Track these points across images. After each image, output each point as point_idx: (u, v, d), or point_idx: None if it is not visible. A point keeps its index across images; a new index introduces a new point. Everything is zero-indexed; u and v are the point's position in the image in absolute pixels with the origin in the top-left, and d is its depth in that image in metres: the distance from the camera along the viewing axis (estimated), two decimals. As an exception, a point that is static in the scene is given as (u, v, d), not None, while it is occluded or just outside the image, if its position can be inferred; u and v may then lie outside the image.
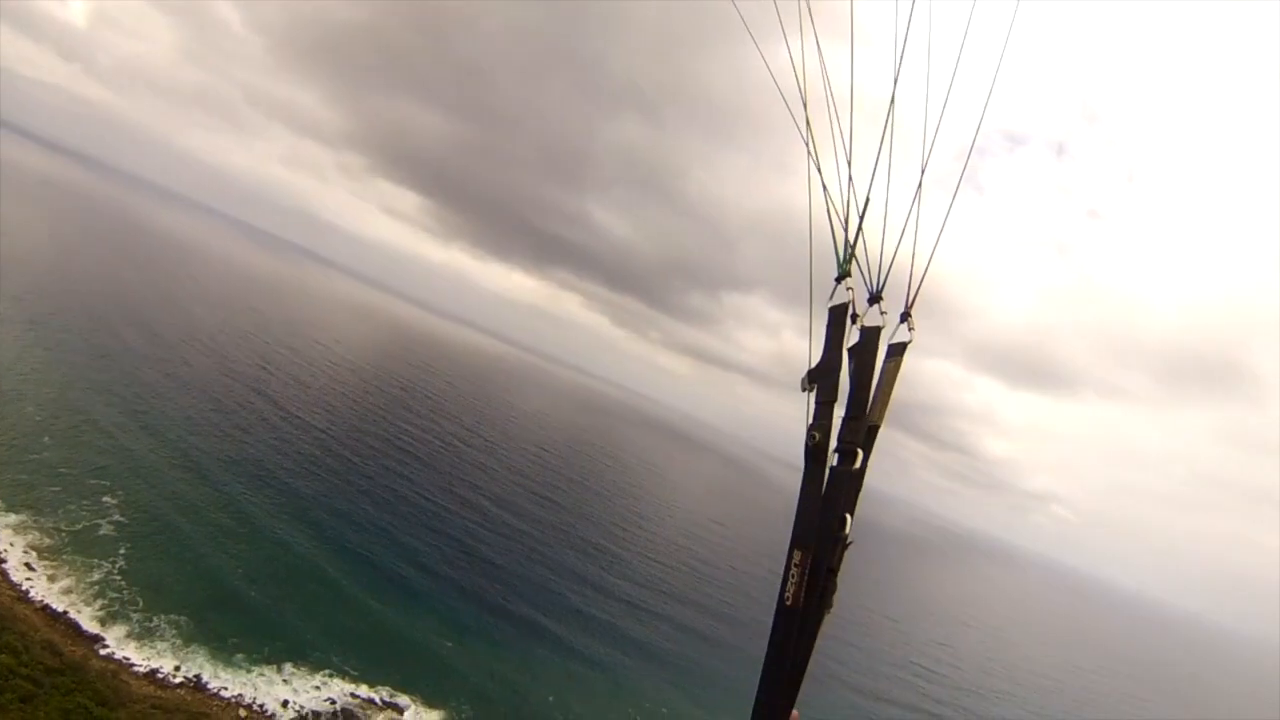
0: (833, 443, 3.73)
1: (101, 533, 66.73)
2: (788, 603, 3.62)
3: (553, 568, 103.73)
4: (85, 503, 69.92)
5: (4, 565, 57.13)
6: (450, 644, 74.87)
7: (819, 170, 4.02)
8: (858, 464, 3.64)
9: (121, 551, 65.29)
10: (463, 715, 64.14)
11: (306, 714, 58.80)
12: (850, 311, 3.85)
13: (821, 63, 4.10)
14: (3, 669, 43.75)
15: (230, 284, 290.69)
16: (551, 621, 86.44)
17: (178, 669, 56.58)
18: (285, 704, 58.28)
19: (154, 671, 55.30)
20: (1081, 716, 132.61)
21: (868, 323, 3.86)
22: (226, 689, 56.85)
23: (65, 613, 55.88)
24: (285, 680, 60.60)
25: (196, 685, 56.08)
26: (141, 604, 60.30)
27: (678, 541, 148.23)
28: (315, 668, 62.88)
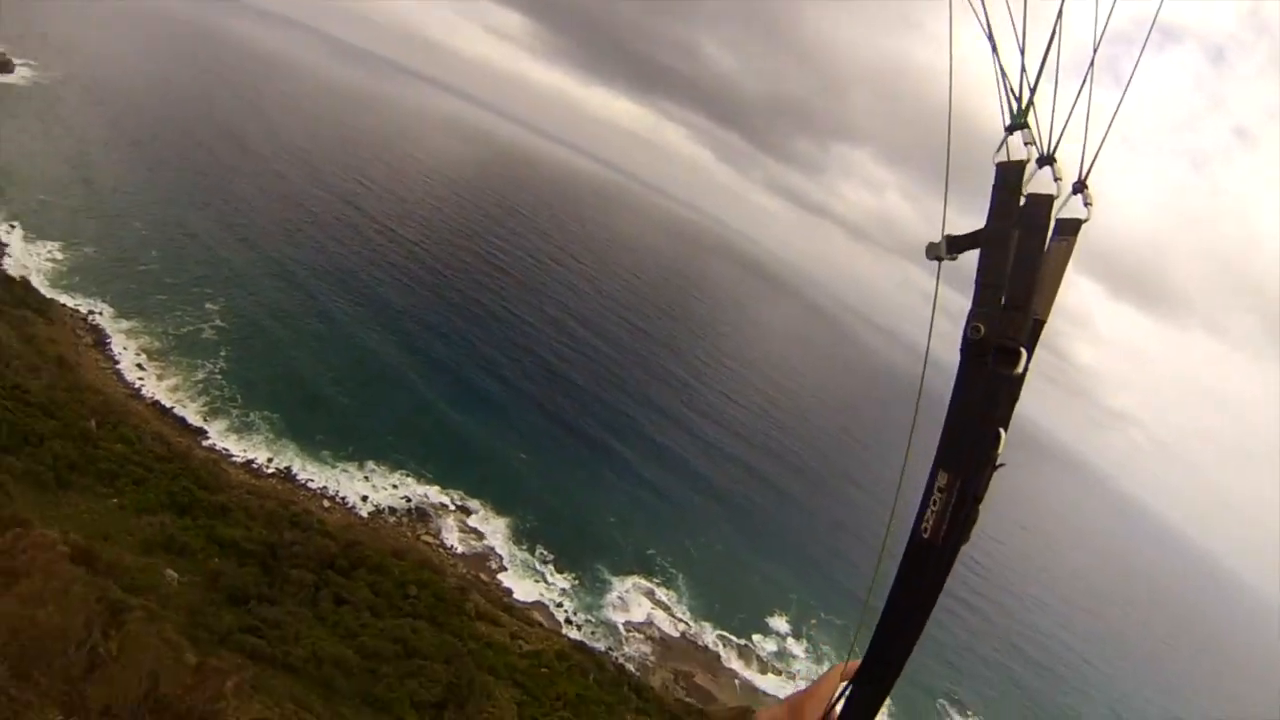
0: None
1: (204, 336, 73.21)
2: (925, 534, 3.00)
3: (631, 394, 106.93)
4: (189, 309, 76.62)
5: (118, 366, 63.82)
6: (524, 456, 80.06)
7: None
8: (1020, 367, 2.93)
9: (222, 354, 71.68)
10: (528, 525, 69.73)
11: (383, 509, 65.39)
12: (1026, 173, 3.11)
13: None
14: (118, 457, 49.26)
15: (326, 101, 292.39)
16: (623, 446, 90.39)
17: (270, 461, 63.47)
18: (364, 499, 64.88)
19: (249, 462, 62.22)
20: (1104, 651, 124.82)
21: (1034, 189, 3.12)
22: (313, 481, 63.60)
23: (172, 408, 62.64)
24: (365, 477, 67.02)
25: (286, 476, 62.92)
26: (240, 401, 66.86)
27: (756, 384, 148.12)
28: (393, 468, 69.27)
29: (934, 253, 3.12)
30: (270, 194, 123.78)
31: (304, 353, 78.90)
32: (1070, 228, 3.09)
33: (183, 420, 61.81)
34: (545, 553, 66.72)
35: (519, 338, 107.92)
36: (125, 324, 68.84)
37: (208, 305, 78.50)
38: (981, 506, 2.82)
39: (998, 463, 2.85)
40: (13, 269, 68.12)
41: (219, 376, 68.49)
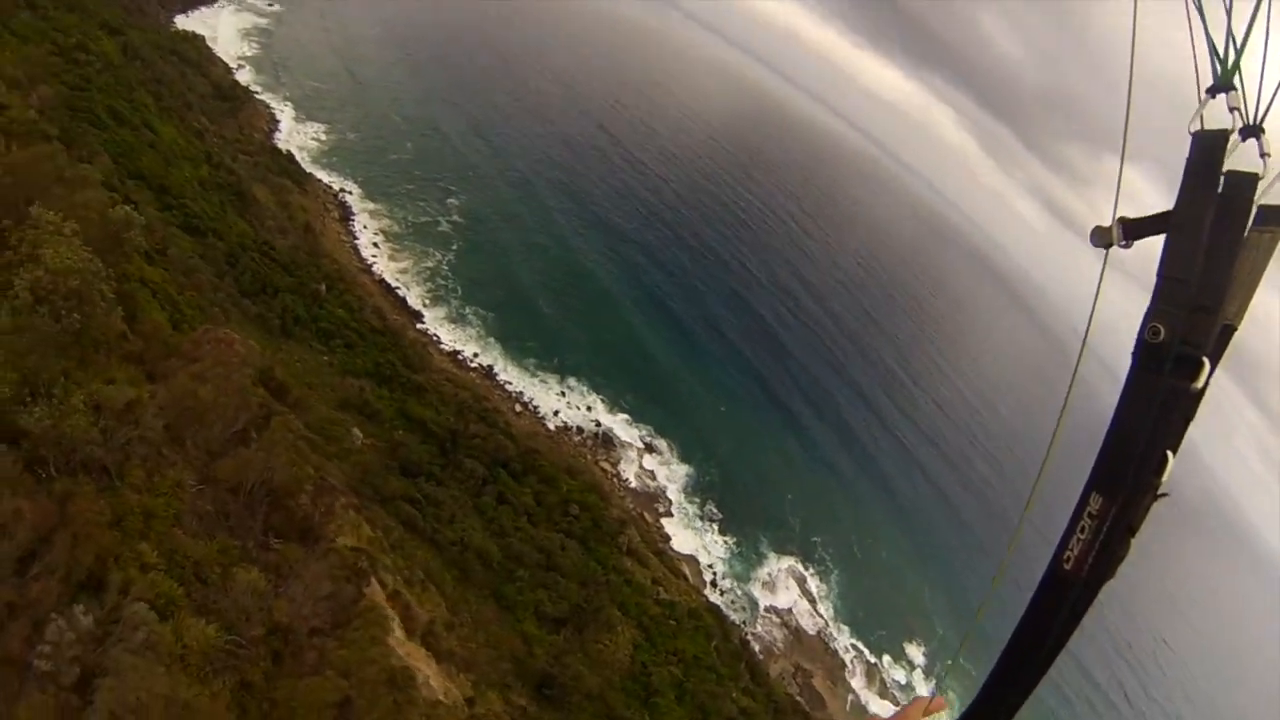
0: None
1: (440, 229, 76.80)
2: (1067, 565, 2.66)
3: (841, 374, 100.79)
4: (431, 202, 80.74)
5: (357, 241, 68.29)
6: (723, 409, 77.62)
7: None
8: (1201, 380, 2.52)
9: (453, 248, 74.79)
10: (707, 478, 67.41)
11: (571, 426, 65.66)
12: (1226, 145, 2.60)
13: None
14: (338, 321, 52.50)
15: (594, 28, 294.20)
16: (820, 425, 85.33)
17: (475, 355, 65.44)
18: (556, 412, 65.40)
19: (456, 352, 64.46)
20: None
21: (1234, 167, 2.60)
22: (511, 383, 64.90)
23: (397, 288, 66.18)
24: (561, 393, 67.50)
25: (487, 373, 64.60)
26: (460, 294, 69.44)
27: (968, 400, 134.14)
28: (591, 389, 69.25)
29: (1103, 239, 2.83)
30: (526, 108, 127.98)
31: (530, 262, 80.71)
32: (1277, 216, 2.64)
33: (404, 301, 65.08)
34: (714, 510, 64.17)
35: (744, 291, 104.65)
36: (370, 205, 73.58)
37: (450, 201, 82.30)
38: (1135, 541, 2.65)
39: (1160, 491, 2.60)
40: (280, 143, 75.10)
41: (445, 268, 71.45)
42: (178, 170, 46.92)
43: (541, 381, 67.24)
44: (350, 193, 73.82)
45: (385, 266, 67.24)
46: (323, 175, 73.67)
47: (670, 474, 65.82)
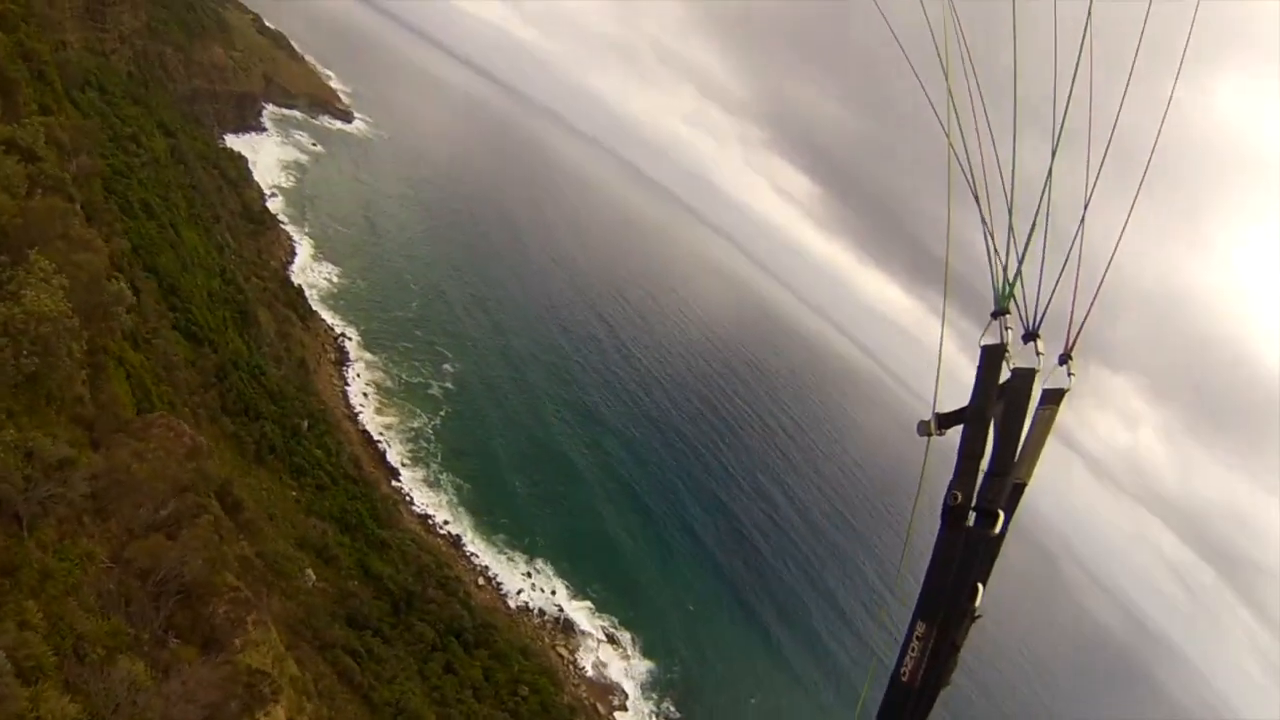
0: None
1: (430, 391, 77.01)
2: (904, 678, 3.28)
3: (816, 586, 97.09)
4: (426, 364, 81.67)
5: (348, 387, 68.21)
6: (691, 608, 74.15)
7: (976, 198, 3.79)
8: (997, 528, 3.27)
9: (441, 413, 74.57)
10: (669, 676, 63.37)
11: (533, 608, 62.26)
12: (1004, 354, 3.47)
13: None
14: (314, 460, 51.39)
15: (605, 215, 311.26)
16: (792, 639, 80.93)
17: (446, 523, 63.36)
18: (519, 592, 62.26)
19: (427, 516, 62.46)
20: None
21: (1020, 363, 3.50)
22: (477, 556, 62.40)
23: (378, 441, 65.26)
24: (527, 574, 64.64)
25: (454, 542, 62.18)
26: (440, 459, 68.43)
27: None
28: (557, 574, 66.38)
29: (924, 429, 3.61)
30: (531, 287, 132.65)
31: (512, 440, 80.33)
32: (1054, 397, 3.49)
33: (383, 455, 63.99)
34: (672, 709, 60.00)
35: (723, 493, 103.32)
36: (367, 355, 74.28)
37: (444, 366, 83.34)
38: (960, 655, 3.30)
39: (976, 615, 3.28)
40: (294, 275, 77.47)
41: (429, 431, 70.88)
42: (191, 276, 47.78)
43: (509, 559, 64.96)
44: (350, 338, 74.86)
45: (371, 418, 66.68)
46: (327, 315, 75.18)
47: (630, 668, 62.08)
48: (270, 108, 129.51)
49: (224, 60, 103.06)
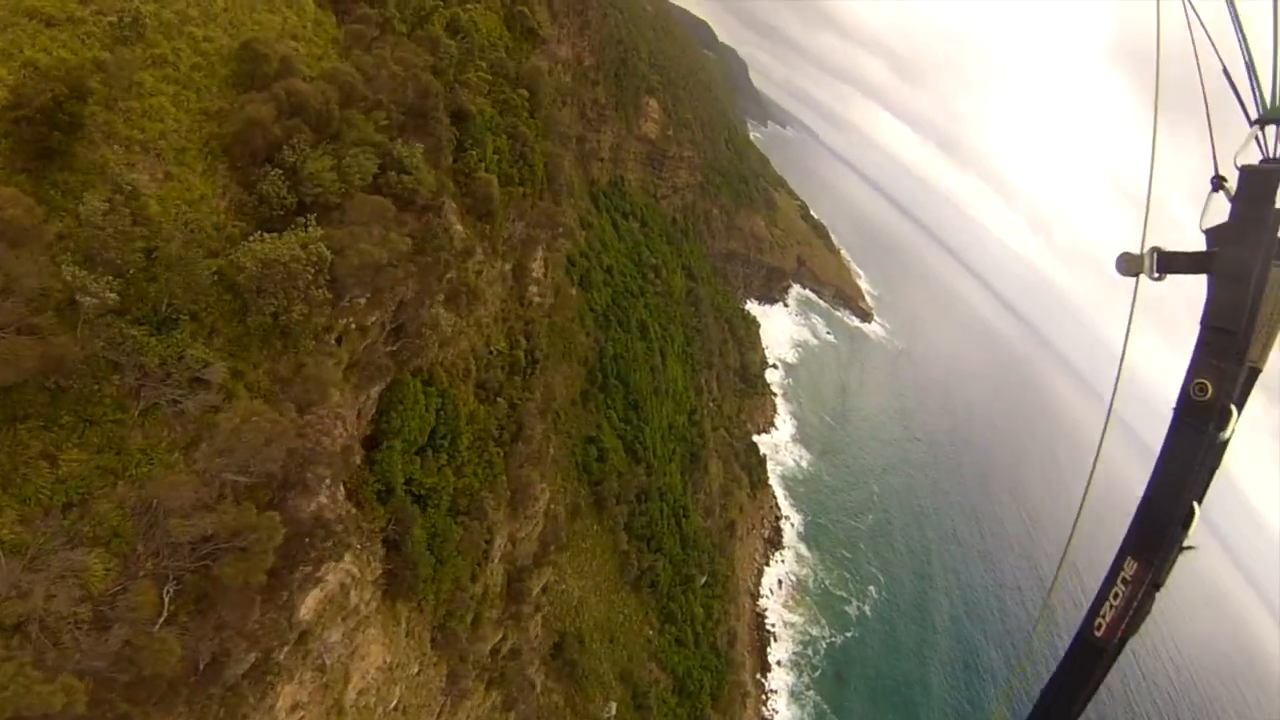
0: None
1: (846, 609, 74.24)
2: (1098, 633, 2.73)
3: None
4: (854, 581, 78.68)
5: (765, 566, 69.92)
6: None
7: None
8: (1230, 430, 2.50)
9: (848, 633, 71.38)
10: None
11: None
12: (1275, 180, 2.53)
13: None
14: (691, 614, 53.40)
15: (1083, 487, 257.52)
16: None
17: (791, 737, 59.82)
18: None
19: (772, 716, 59.90)
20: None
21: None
22: (792, 795, 57.66)
23: (768, 627, 65.19)
24: None
25: (782, 763, 58.38)
26: (816, 675, 65.29)
27: None
28: None
29: (1131, 267, 2.89)
30: (982, 548, 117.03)
31: (906, 699, 72.55)
32: None
33: (762, 644, 63.85)
34: None
35: None
36: (801, 548, 74.99)
37: (870, 588, 79.40)
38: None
39: (1185, 544, 2.55)
40: (763, 444, 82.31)
41: (823, 645, 68.37)
42: (659, 402, 54.73)
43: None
44: (791, 523, 77.11)
45: (773, 605, 67.52)
46: (780, 493, 78.73)
47: None
48: (796, 288, 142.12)
49: (764, 233, 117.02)
